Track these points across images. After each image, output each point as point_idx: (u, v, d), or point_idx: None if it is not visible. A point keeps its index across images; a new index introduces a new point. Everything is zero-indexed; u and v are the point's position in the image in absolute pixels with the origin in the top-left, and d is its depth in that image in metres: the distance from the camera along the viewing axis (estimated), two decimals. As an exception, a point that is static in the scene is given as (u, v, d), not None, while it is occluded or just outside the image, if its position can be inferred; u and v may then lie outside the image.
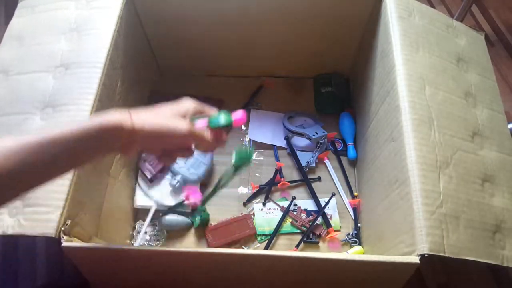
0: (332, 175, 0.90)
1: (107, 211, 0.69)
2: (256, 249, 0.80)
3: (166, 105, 0.49)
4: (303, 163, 0.89)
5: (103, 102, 0.64)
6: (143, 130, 0.45)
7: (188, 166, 0.83)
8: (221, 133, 0.50)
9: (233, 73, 1.00)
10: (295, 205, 0.85)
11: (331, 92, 0.98)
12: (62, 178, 0.56)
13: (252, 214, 0.84)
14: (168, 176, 0.84)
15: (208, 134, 0.49)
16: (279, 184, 0.87)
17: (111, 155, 0.70)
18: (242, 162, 0.55)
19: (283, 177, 0.88)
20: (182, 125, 0.47)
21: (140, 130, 0.45)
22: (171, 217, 0.80)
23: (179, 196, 0.83)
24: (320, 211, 0.83)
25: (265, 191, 0.87)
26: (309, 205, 0.86)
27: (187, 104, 0.50)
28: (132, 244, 0.79)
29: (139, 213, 0.83)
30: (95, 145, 0.43)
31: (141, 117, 0.46)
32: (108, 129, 0.43)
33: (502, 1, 1.34)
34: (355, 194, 0.87)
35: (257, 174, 0.89)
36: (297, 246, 0.80)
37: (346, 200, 0.86)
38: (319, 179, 0.89)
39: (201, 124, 0.49)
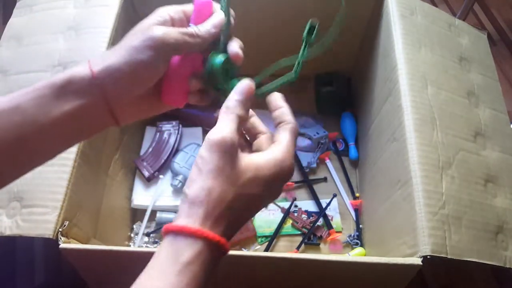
0: (333, 176, 0.89)
1: (105, 212, 0.68)
2: (256, 251, 0.79)
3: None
4: (304, 164, 0.89)
5: (102, 102, 0.63)
6: (108, 68, 0.35)
7: (189, 166, 0.83)
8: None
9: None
10: (296, 206, 0.85)
11: (332, 92, 0.97)
12: (59, 179, 0.55)
13: (252, 215, 0.83)
14: (162, 176, 0.83)
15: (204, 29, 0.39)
16: (284, 186, 0.86)
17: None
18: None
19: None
20: (147, 32, 0.36)
21: (103, 71, 0.35)
22: (167, 215, 0.80)
23: (180, 196, 0.82)
24: (321, 212, 0.83)
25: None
26: (310, 206, 0.85)
27: (160, 11, 0.39)
28: (131, 246, 0.78)
29: (137, 215, 0.82)
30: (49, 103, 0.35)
31: (102, 56, 0.36)
32: (59, 84, 0.35)
33: (504, 0, 1.34)
34: (357, 195, 0.86)
35: (257, 175, 0.89)
36: (298, 247, 0.79)
37: (348, 201, 0.86)
38: (325, 179, 0.88)
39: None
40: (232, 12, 0.43)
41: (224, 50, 0.42)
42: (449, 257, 0.51)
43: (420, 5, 0.75)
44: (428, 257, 0.51)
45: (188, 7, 0.41)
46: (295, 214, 0.83)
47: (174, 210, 0.81)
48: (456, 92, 0.67)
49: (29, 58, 0.68)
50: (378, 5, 0.77)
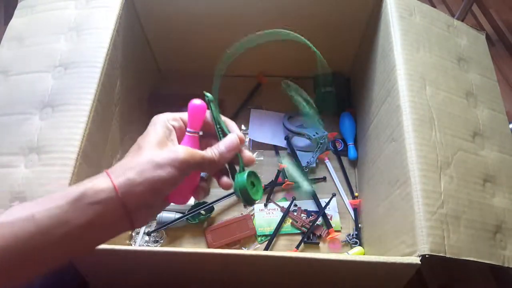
0: (333, 175, 0.89)
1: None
2: (256, 250, 0.80)
3: (141, 137, 0.42)
4: (303, 163, 0.89)
5: (102, 102, 0.64)
6: (130, 183, 0.38)
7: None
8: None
9: (233, 73, 1.00)
10: (295, 205, 0.85)
11: (332, 92, 0.98)
12: (61, 178, 0.56)
13: (252, 215, 0.83)
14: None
15: (215, 151, 0.43)
16: (283, 185, 0.87)
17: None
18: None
19: (286, 178, 0.88)
20: (173, 153, 0.40)
21: (124, 185, 0.38)
22: (167, 214, 0.80)
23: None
24: (321, 211, 0.83)
25: (267, 191, 0.86)
26: (310, 205, 0.85)
27: (162, 121, 0.43)
28: (132, 245, 0.79)
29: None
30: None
31: (121, 168, 0.39)
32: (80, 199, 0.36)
33: (503, 1, 1.34)
34: (356, 194, 0.87)
35: (257, 174, 0.89)
36: (297, 246, 0.80)
37: (347, 200, 0.86)
38: (324, 179, 0.89)
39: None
40: (240, 134, 0.46)
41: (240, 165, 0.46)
42: (447, 256, 0.51)
43: (419, 5, 0.75)
44: (426, 256, 0.51)
45: (184, 115, 0.45)
46: (295, 213, 0.83)
47: (175, 209, 0.82)
48: (454, 92, 0.67)
49: (30, 58, 0.68)
50: (377, 6, 0.77)
